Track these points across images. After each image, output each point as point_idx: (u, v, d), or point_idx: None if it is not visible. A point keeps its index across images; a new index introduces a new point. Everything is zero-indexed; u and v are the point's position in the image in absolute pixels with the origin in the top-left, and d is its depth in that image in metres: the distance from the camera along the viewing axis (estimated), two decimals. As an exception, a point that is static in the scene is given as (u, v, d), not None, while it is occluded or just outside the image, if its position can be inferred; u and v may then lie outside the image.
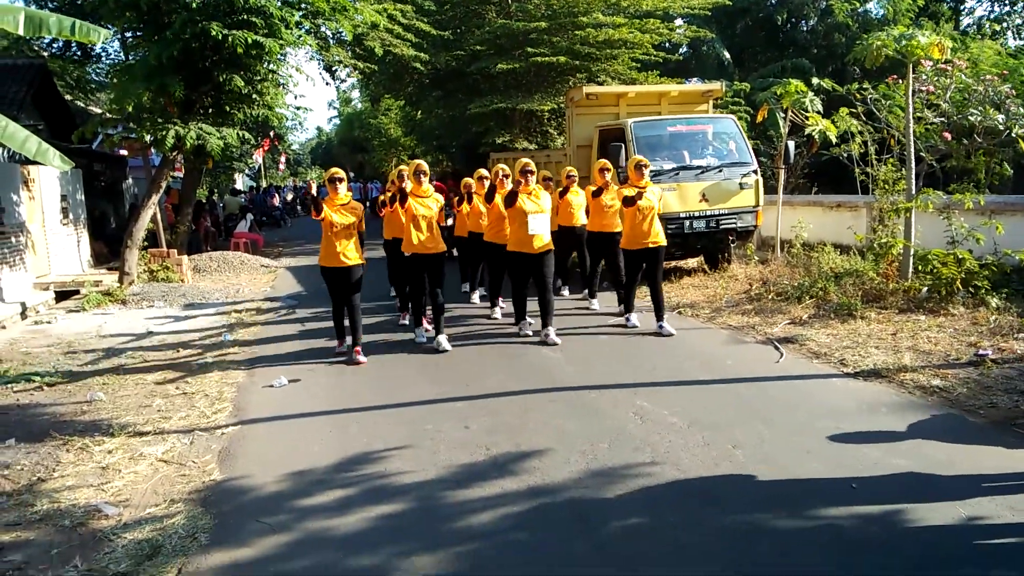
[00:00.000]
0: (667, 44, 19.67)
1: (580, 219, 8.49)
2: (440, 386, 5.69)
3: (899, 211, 8.43)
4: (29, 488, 4.05)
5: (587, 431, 4.56)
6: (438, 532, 3.38)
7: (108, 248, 14.44)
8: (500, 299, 8.33)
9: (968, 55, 18.83)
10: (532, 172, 6.95)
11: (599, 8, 17.15)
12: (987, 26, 25.27)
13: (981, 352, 5.80)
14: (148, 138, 10.50)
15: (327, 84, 35.97)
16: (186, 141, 10.17)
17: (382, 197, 8.26)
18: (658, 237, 7.22)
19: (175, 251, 12.33)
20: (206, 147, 10.64)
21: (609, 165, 8.00)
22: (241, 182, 35.85)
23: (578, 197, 8.44)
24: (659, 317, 7.23)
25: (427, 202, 6.72)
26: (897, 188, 8.78)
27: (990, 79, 12.14)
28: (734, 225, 9.96)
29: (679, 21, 23.39)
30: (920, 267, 8.03)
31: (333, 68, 19.03)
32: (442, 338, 6.81)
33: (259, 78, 11.43)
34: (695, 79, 19.88)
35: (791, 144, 10.55)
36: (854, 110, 10.57)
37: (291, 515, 3.61)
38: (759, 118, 12.29)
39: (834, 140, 11.48)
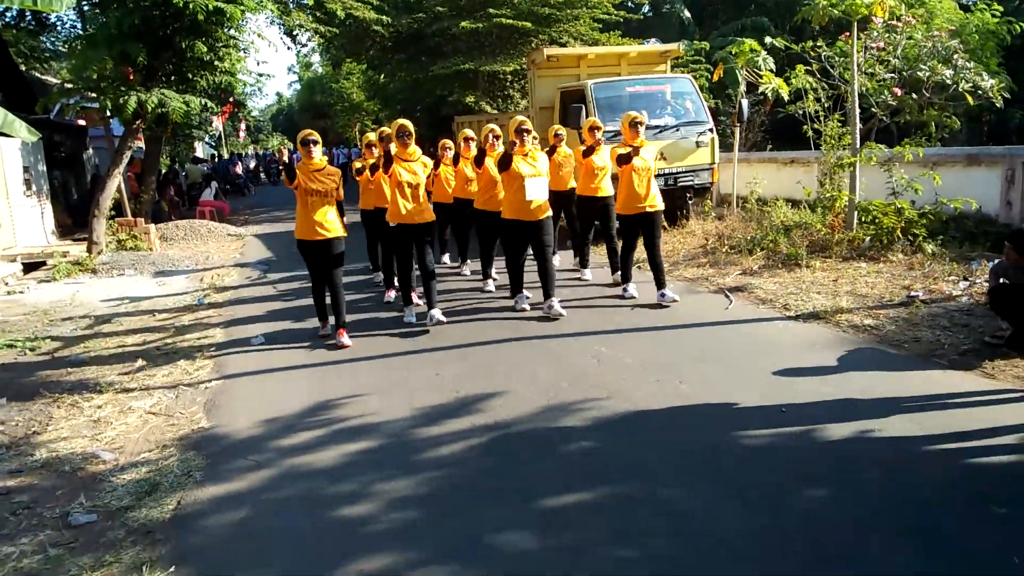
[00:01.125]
0: (629, 4, 19.82)
1: (569, 182, 7.97)
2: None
3: (844, 166, 8.86)
4: (26, 440, 4.32)
5: (550, 374, 4.93)
6: (411, 462, 3.74)
7: (72, 219, 14.35)
8: (493, 270, 7.76)
9: (923, 10, 19.33)
10: (528, 131, 6.36)
11: (561, -32, 17.22)
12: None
13: (912, 294, 6.29)
14: (110, 106, 10.48)
15: (288, 49, 35.41)
16: (147, 105, 10.18)
17: (359, 163, 7.66)
18: (655, 200, 6.74)
19: (142, 220, 12.36)
20: (168, 113, 10.67)
21: (599, 123, 7.46)
22: (201, 150, 35.32)
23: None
24: (660, 285, 6.75)
25: (413, 167, 6.17)
26: (843, 143, 9.19)
27: (938, 34, 12.60)
28: (691, 182, 10.34)
29: (640, -19, 23.53)
30: (863, 218, 8.51)
31: (294, 32, 18.86)
32: (436, 312, 6.20)
33: (221, 44, 11.42)
34: (653, 39, 20.04)
35: (744, 102, 10.92)
36: (810, 67, 10.96)
37: (276, 453, 3.94)
38: (715, 77, 12.58)
39: (786, 98, 11.88)
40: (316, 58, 39.06)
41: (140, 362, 5.81)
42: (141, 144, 14.72)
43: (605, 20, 18.32)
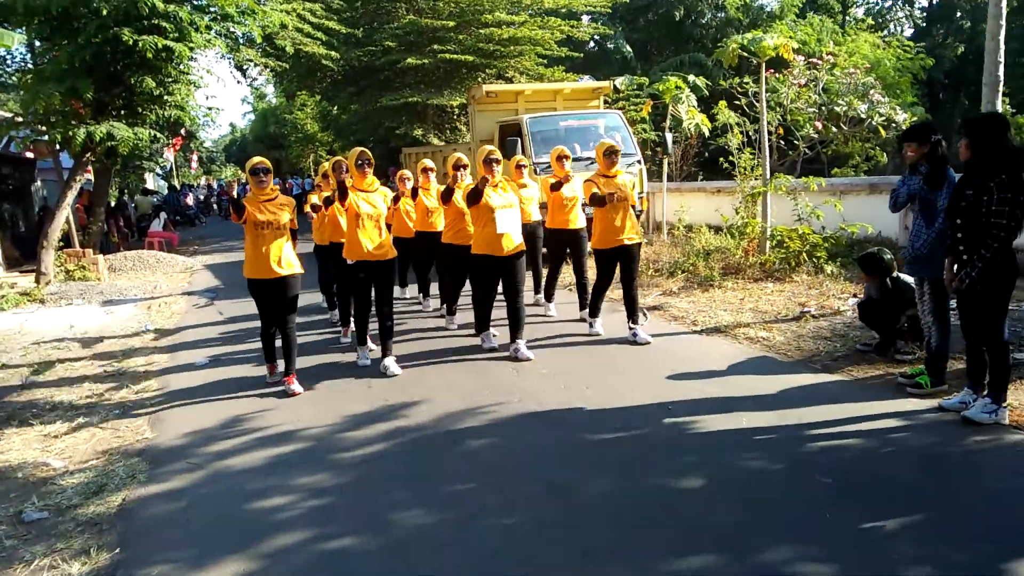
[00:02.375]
0: (572, 41, 20.76)
1: (532, 214, 7.43)
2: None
3: (756, 195, 9.64)
4: (-21, 453, 4.64)
5: (472, 383, 5.44)
6: (335, 460, 4.20)
7: (19, 251, 14.41)
8: (456, 307, 7.44)
9: (846, 48, 20.67)
10: (497, 161, 6.02)
11: (503, 7, 18.05)
12: (866, 21, 27.48)
13: (804, 310, 6.98)
14: (59, 138, 10.76)
15: (238, 83, 35.58)
16: (96, 136, 10.47)
17: (313, 196, 7.33)
18: (634, 232, 6.43)
19: (90, 251, 12.56)
20: (117, 145, 10.98)
21: (567, 153, 7.27)
22: (152, 182, 35.19)
23: (530, 190, 7.39)
24: (633, 320, 6.47)
25: (372, 198, 5.70)
26: (755, 174, 9.97)
27: (855, 71, 13.66)
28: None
29: (585, 19, 24.58)
30: (771, 243, 9.26)
31: (244, 67, 19.28)
32: (389, 361, 5.83)
33: (170, 79, 11.80)
34: (587, 77, 20.96)
35: (669, 136, 11.69)
36: (738, 102, 11.81)
37: (213, 456, 4.36)
38: (643, 112, 13.39)
39: (706, 132, 12.73)
40: (270, 89, 39.49)
41: (88, 384, 6.14)
42: (90, 176, 14.91)
43: (548, 56, 19.18)
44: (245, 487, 3.91)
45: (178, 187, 30.78)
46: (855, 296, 7.36)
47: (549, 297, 7.81)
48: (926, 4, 33.62)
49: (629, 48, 26.50)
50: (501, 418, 4.67)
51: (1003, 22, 6.75)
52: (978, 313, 4.01)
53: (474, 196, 5.88)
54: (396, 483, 3.85)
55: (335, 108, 24.43)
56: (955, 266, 4.05)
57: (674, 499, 3.48)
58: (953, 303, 4.52)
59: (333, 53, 17.11)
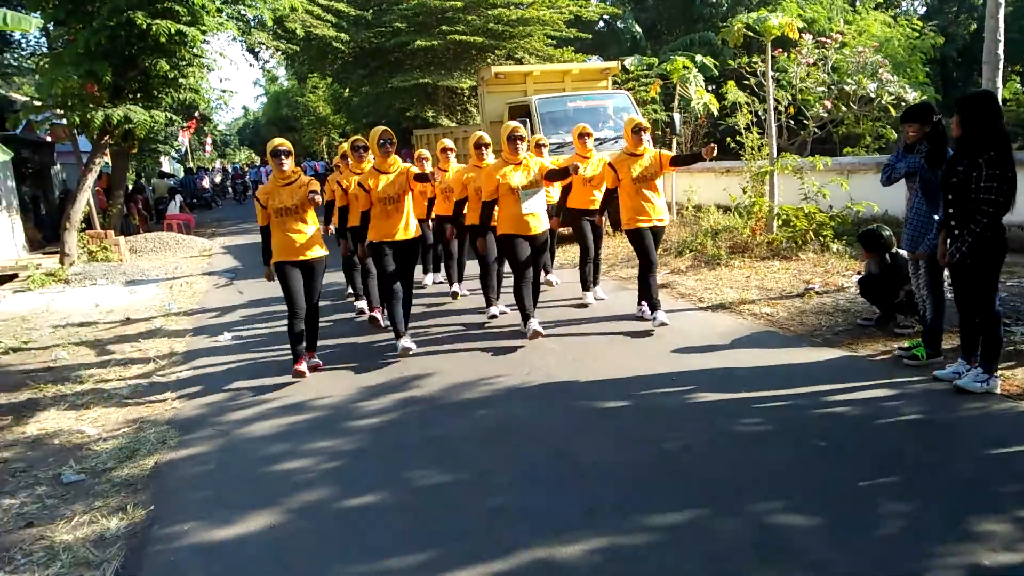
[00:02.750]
0: (581, 21, 20.74)
1: (551, 196, 7.10)
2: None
3: (763, 174, 9.73)
4: (17, 421, 4.90)
5: (482, 357, 5.66)
6: (351, 427, 4.44)
7: (41, 233, 14.77)
8: (495, 294, 6.93)
9: (855, 27, 20.54)
10: (522, 139, 5.81)
11: (512, -14, 18.09)
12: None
13: (808, 286, 7.12)
14: (77, 121, 11.00)
15: (250, 66, 35.74)
16: (113, 119, 10.70)
17: (335, 180, 7.09)
18: (663, 213, 6.28)
19: (111, 232, 12.85)
20: (134, 128, 11.22)
21: (590, 130, 7.07)
22: (168, 165, 35.56)
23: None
24: (652, 305, 6.20)
25: (395, 179, 5.61)
26: (762, 154, 10.05)
27: (864, 50, 13.66)
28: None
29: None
30: (778, 222, 9.37)
31: (256, 50, 19.44)
32: (406, 340, 5.66)
33: (184, 62, 12.00)
34: (595, 57, 20.96)
35: (677, 116, 11.76)
36: (747, 81, 11.85)
37: (238, 424, 4.61)
38: (652, 92, 13.45)
39: (715, 112, 12.79)
40: (282, 72, 39.66)
41: (116, 359, 6.40)
42: (108, 159, 15.18)
43: (558, 37, 19.20)
44: (268, 451, 4.15)
45: (194, 170, 31.07)
46: (859, 273, 7.50)
47: (587, 286, 7.31)
48: (940, -20, 33.16)
49: (638, 28, 26.37)
50: (511, 388, 4.89)
51: (1002, 0, 6.81)
52: (969, 286, 4.16)
53: (562, 175, 5.82)
54: (409, 448, 4.07)
55: (346, 90, 24.54)
56: (947, 241, 4.19)
57: (673, 460, 3.68)
58: (948, 277, 4.66)
59: (343, 35, 17.24)
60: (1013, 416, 3.94)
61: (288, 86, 42.39)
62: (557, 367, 5.26)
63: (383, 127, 5.72)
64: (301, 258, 5.35)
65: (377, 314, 6.61)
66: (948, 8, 30.12)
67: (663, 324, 6.02)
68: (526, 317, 5.98)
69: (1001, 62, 6.87)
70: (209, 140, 41.97)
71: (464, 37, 17.10)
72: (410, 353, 5.65)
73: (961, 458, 3.51)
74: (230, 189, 32.28)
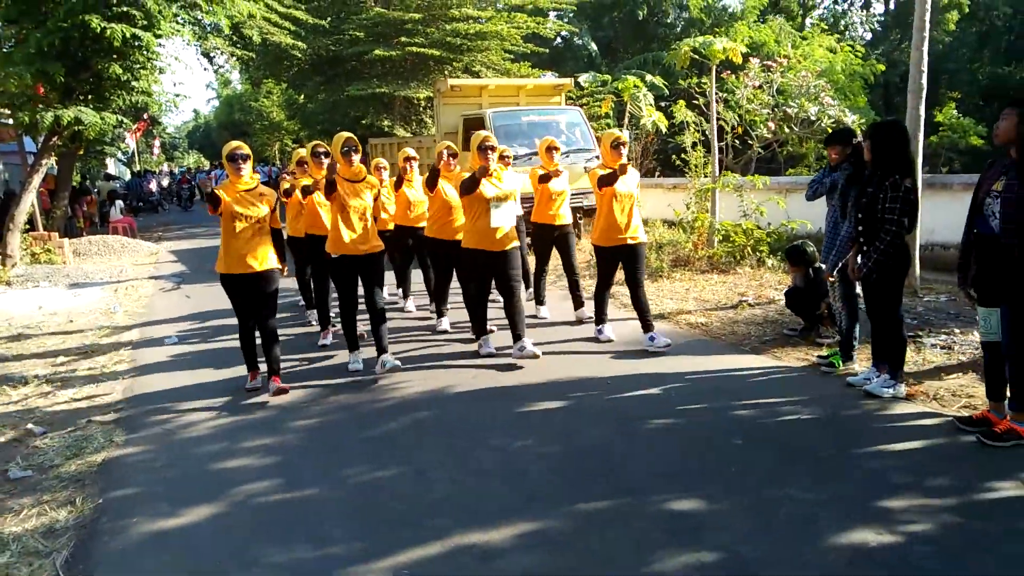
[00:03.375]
0: (538, 37, 21.17)
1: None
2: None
3: (705, 191, 10.17)
4: (-40, 420, 4.91)
5: (431, 363, 5.85)
6: (296, 426, 4.59)
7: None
8: (447, 308, 6.94)
9: (801, 51, 21.41)
10: (493, 148, 5.53)
11: (471, 2, 18.40)
12: (821, 25, 28.35)
13: (742, 299, 7.51)
14: (26, 121, 10.85)
15: (204, 70, 35.22)
16: (63, 120, 10.59)
17: (288, 182, 6.73)
18: (638, 231, 6.05)
19: (56, 234, 12.64)
20: (83, 130, 11.10)
21: (557, 144, 6.96)
22: (114, 167, 34.78)
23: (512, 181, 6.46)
24: (647, 327, 6.02)
25: (359, 188, 5.37)
26: (705, 171, 10.49)
27: (806, 74, 14.28)
28: (581, 204, 11.47)
29: (552, 16, 25.00)
30: (720, 237, 9.80)
31: (211, 54, 19.32)
32: (388, 356, 5.41)
33: (138, 65, 11.93)
34: (550, 73, 21.39)
35: (626, 132, 12.16)
36: (696, 101, 12.32)
37: (186, 423, 4.70)
38: (604, 109, 13.86)
39: (664, 130, 13.25)
40: (236, 75, 39.23)
41: (61, 359, 6.40)
42: (54, 160, 14.92)
43: (515, 52, 19.57)
44: (213, 448, 4.28)
45: (141, 173, 30.47)
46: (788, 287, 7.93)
47: (540, 300, 7.33)
48: (883, 9, 34.74)
49: (594, 46, 27.02)
50: (456, 393, 5.09)
51: (926, 35, 7.33)
52: (876, 298, 4.53)
53: (469, 186, 5.44)
54: (353, 445, 4.25)
55: (301, 97, 24.51)
56: (858, 256, 4.56)
57: (600, 456, 3.94)
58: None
59: (300, 44, 17.28)
60: (912, 417, 4.31)
61: (242, 90, 41.95)
62: (504, 375, 5.48)
63: (347, 133, 5.47)
64: (249, 271, 4.97)
65: (327, 340, 6.48)
66: (892, 35, 31.56)
67: (609, 340, 6.18)
68: (478, 331, 6.00)
69: (924, 91, 7.37)
70: (157, 143, 41.22)
71: (422, 49, 17.32)
72: (391, 367, 5.36)
73: (862, 454, 3.85)
74: (174, 197, 31.66)
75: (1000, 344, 3.94)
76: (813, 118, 13.55)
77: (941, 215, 8.35)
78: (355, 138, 5.45)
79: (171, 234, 18.17)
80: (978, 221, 3.94)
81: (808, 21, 31.55)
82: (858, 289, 5.01)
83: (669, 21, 29.08)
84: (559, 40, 28.25)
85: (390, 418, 4.66)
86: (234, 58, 18.66)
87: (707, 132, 11.72)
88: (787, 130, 13.81)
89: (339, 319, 5.82)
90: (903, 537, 3.01)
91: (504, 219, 5.59)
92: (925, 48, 7.35)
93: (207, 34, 15.31)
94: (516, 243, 5.77)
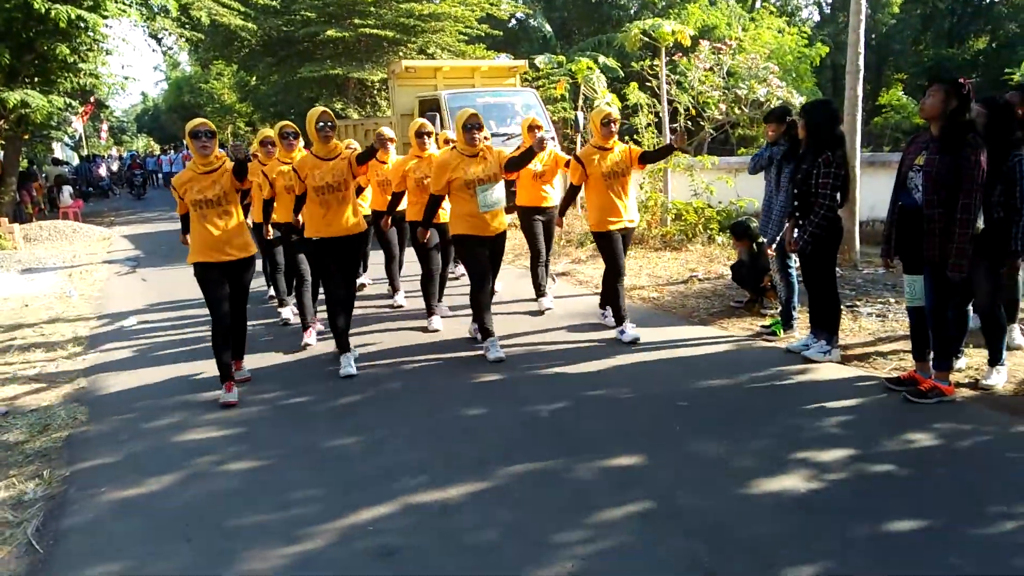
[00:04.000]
0: (492, 19, 21.18)
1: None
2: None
3: (658, 171, 10.44)
4: (-83, 403, 4.91)
5: (391, 340, 6.00)
6: (259, 399, 4.71)
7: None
8: (437, 303, 6.44)
9: (750, 34, 21.81)
10: (480, 128, 5.08)
11: (423, -18, 18.33)
12: (767, 6, 28.83)
13: (692, 274, 7.80)
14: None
15: (153, 51, 34.15)
16: (9, 103, 10.38)
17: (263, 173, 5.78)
18: (634, 214, 5.73)
19: (5, 220, 12.37)
20: (30, 113, 10.89)
21: (540, 123, 6.49)
22: (61, 151, 33.75)
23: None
24: (619, 318, 5.70)
25: (335, 166, 4.95)
26: (657, 152, 10.71)
27: (755, 57, 14.61)
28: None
29: (507, -4, 24.98)
30: (672, 216, 10.10)
31: (159, 36, 18.92)
32: (348, 357, 5.14)
33: (85, 47, 11.70)
34: (505, 55, 21.48)
35: (580, 115, 12.34)
36: (649, 83, 12.55)
37: (148, 403, 4.78)
38: (559, 91, 14.02)
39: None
40: (184, 57, 38.28)
41: (18, 343, 6.37)
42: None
43: (469, 33, 19.57)
44: (176, 421, 4.41)
45: (90, 158, 29.68)
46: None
47: (541, 291, 6.82)
48: (830, -8, 35.43)
49: (549, 27, 27.09)
50: (416, 368, 5.27)
51: (863, 17, 7.64)
52: (812, 269, 4.82)
53: (520, 161, 5.16)
54: (312, 417, 4.41)
55: (253, 78, 24.12)
56: (794, 230, 4.84)
57: (549, 421, 4.17)
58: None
59: (250, 25, 17.04)
60: (846, 380, 4.62)
61: (191, 72, 40.96)
62: (460, 347, 5.66)
63: (322, 108, 5.10)
64: (225, 258, 4.56)
65: (311, 339, 5.90)
66: (840, 18, 32.24)
67: (635, 340, 5.50)
68: (486, 333, 5.37)
69: (862, 72, 7.68)
70: (105, 126, 40.06)
71: (376, 31, 17.22)
72: (354, 376, 5.05)
73: (796, 412, 4.14)
74: (126, 184, 30.78)
75: (924, 309, 4.24)
76: (762, 99, 13.92)
77: (882, 191, 8.70)
78: (331, 113, 5.06)
79: (122, 219, 17.87)
80: (902, 195, 4.23)
81: (758, 3, 32.08)
82: (795, 261, 5.31)
83: (623, 3, 29.25)
84: (514, 22, 28.25)
85: (351, 391, 4.81)
86: (183, 39, 18.26)
87: (660, 113, 12.00)
88: (738, 111, 14.16)
89: (301, 296, 5.85)
90: (828, 484, 3.29)
91: (491, 201, 5.17)
92: (862, 31, 7.66)
93: (155, 15, 14.97)
94: (506, 229, 5.44)
